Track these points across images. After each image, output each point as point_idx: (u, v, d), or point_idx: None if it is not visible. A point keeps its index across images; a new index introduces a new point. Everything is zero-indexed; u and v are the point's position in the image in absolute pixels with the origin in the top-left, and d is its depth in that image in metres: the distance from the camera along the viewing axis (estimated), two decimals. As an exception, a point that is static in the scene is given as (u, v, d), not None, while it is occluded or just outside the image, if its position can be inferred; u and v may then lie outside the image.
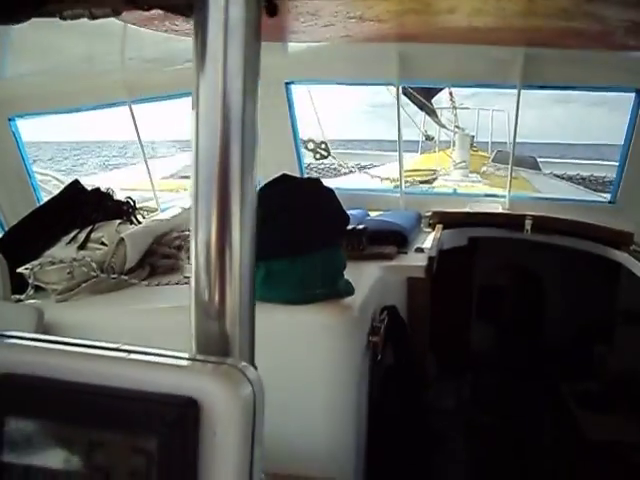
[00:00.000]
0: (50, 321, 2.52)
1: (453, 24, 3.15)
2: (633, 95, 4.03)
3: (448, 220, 4.14)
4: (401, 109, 4.40)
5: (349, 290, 2.60)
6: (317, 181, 2.69)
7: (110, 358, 0.82)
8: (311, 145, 4.80)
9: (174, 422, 0.73)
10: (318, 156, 4.85)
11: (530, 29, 3.08)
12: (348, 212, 3.99)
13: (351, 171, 7.65)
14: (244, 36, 0.83)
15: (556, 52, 3.72)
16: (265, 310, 2.46)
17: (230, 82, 0.84)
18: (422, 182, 6.97)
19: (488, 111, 11.87)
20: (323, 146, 4.85)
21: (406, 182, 6.98)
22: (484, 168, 7.72)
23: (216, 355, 0.90)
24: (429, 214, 4.18)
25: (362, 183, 7.15)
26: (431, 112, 9.50)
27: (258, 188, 2.61)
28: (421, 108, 9.02)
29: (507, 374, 4.69)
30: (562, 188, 8.88)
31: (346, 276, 2.66)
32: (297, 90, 4.53)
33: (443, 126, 10.14)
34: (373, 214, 4.24)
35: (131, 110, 4.44)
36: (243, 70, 0.84)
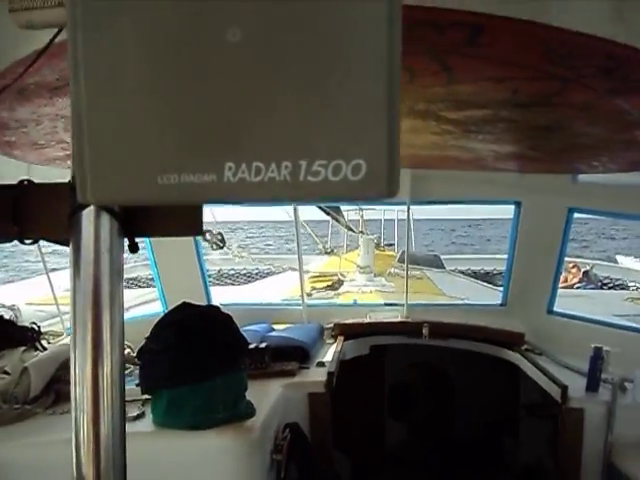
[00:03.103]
0: None
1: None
2: (513, 207, 4.39)
3: (349, 331, 4.32)
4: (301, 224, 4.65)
5: (250, 412, 2.71)
6: (215, 308, 2.84)
7: None
8: (208, 235, 4.95)
9: None
10: (215, 246, 5.02)
11: (413, 155, 3.39)
12: (251, 327, 4.17)
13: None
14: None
15: (439, 171, 4.06)
16: (168, 436, 2.57)
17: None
18: (327, 287, 7.18)
19: (393, 211, 12.29)
20: (219, 237, 5.01)
21: (312, 288, 7.22)
22: (390, 269, 8.00)
23: None
24: (330, 326, 4.36)
25: (268, 293, 7.32)
26: (336, 215, 9.80)
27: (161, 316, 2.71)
28: (327, 213, 9.32)
29: (421, 470, 4.81)
30: (462, 284, 9.24)
31: (249, 395, 2.78)
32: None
33: (350, 228, 10.46)
34: (277, 327, 4.38)
35: None
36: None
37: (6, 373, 3.12)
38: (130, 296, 7.25)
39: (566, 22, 1.35)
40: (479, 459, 4.83)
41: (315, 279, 7.86)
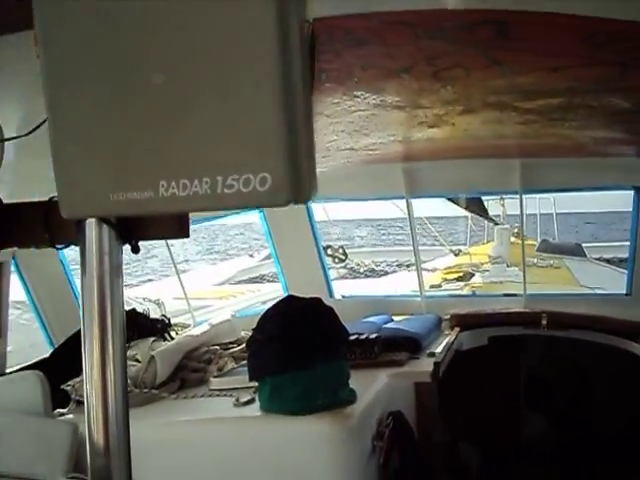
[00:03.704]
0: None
1: (452, 146, 3.49)
2: (632, 193, 4.23)
3: (466, 321, 4.34)
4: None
5: (351, 399, 2.84)
6: (317, 300, 2.97)
7: None
8: (330, 251, 5.13)
9: None
10: (337, 260, 5.17)
11: (523, 145, 3.38)
12: (371, 319, 4.29)
13: (386, 272, 7.95)
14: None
15: (549, 160, 3.99)
16: (271, 421, 2.76)
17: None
18: (458, 279, 7.18)
19: (535, 199, 11.99)
20: (341, 251, 5.18)
21: (443, 280, 7.24)
22: (528, 259, 7.85)
23: (98, 478, 1.19)
24: (448, 317, 4.40)
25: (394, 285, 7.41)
26: (478, 209, 9.69)
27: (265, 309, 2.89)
28: (466, 208, 9.26)
29: (558, 464, 4.69)
30: (603, 273, 8.88)
31: (354, 384, 2.91)
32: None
33: (492, 220, 10.32)
34: (397, 318, 4.48)
35: None
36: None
37: (137, 361, 3.44)
38: (266, 290, 7.60)
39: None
40: (618, 457, 4.65)
41: (447, 271, 7.88)
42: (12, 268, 3.75)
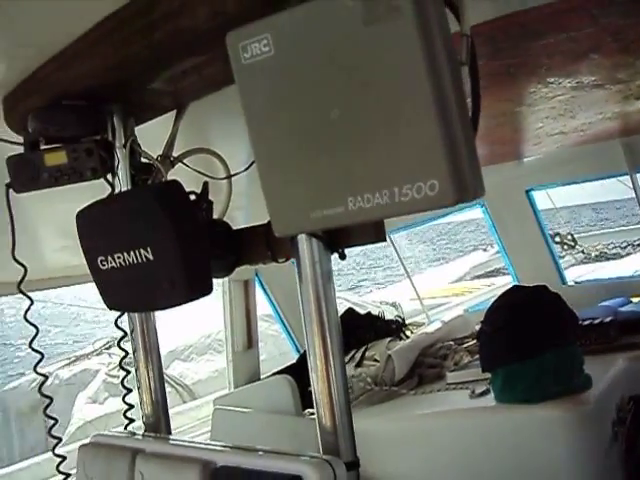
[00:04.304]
0: None
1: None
2: None
3: None
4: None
5: (586, 384, 2.81)
6: (542, 288, 2.98)
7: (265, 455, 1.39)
8: (558, 238, 5.02)
9: None
10: (566, 247, 5.05)
11: None
12: (605, 303, 4.15)
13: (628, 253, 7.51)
14: None
15: None
16: (504, 410, 2.82)
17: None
18: None
19: None
20: (569, 237, 5.05)
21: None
22: None
23: (330, 453, 1.36)
24: None
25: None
26: None
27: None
28: None
29: None
30: None
31: (590, 369, 2.87)
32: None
33: None
34: (635, 300, 4.29)
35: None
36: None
37: (376, 360, 3.66)
38: (499, 283, 7.56)
39: None
40: None
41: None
42: (256, 284, 4.16)
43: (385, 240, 1.36)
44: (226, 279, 3.98)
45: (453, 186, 0.95)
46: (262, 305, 4.36)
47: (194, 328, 7.15)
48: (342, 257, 1.39)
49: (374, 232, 1.33)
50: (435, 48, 0.94)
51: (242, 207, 2.81)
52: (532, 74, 2.10)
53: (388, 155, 0.99)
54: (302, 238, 1.35)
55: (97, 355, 6.76)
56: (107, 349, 7.14)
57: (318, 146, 1.06)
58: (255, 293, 4.12)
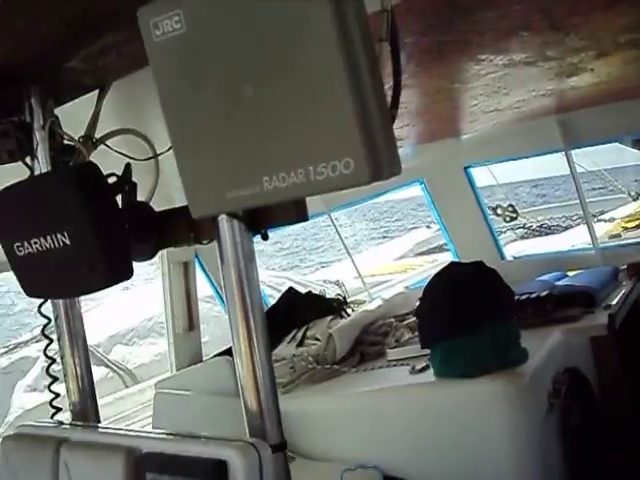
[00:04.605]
0: None
1: (604, 91, 3.37)
2: None
3: None
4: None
5: (522, 358, 2.86)
6: (479, 264, 3.01)
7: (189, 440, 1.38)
8: (499, 210, 5.10)
9: (212, 470, 1.27)
10: (508, 219, 5.13)
11: None
12: (543, 277, 4.23)
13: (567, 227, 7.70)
14: None
15: None
16: (444, 385, 2.85)
17: None
18: (639, 226, 6.82)
19: None
20: (510, 209, 5.12)
21: (623, 229, 6.90)
22: None
23: (256, 436, 1.36)
24: (625, 267, 4.22)
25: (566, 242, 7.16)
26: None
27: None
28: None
29: None
30: None
31: (527, 343, 2.92)
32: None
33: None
34: (571, 274, 4.38)
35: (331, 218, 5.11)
36: None
37: (317, 339, 3.66)
38: (442, 259, 7.64)
39: None
40: None
41: (627, 219, 7.50)
42: (197, 266, 4.11)
43: (307, 219, 1.34)
44: (165, 261, 3.92)
45: (368, 164, 0.94)
46: (204, 286, 4.32)
47: (136, 311, 7.06)
48: (264, 237, 1.36)
49: (295, 212, 1.31)
50: (348, 24, 0.93)
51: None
52: (463, 51, 2.09)
53: (302, 133, 0.98)
54: (223, 219, 1.33)
55: (36, 342, 6.60)
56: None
57: (232, 125, 1.03)
58: (195, 275, 4.07)
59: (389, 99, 1.09)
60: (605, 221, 8.01)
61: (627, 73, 2.87)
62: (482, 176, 5.33)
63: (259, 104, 1.00)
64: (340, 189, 0.97)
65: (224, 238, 1.34)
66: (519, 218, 5.65)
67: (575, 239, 6.78)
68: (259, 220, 1.33)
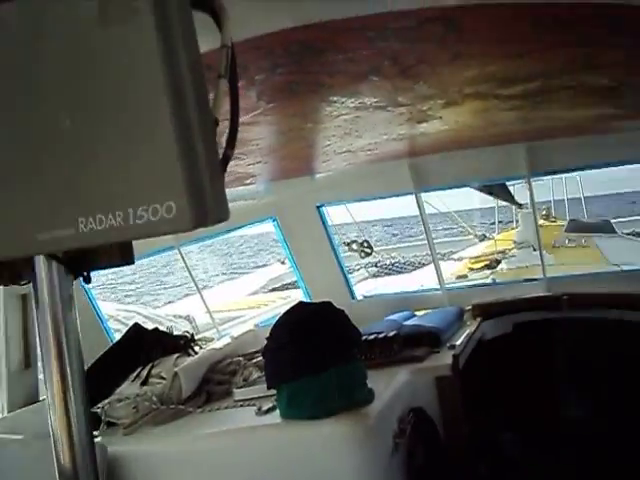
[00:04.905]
0: (117, 454, 2.90)
1: (452, 138, 3.50)
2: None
3: (489, 310, 4.33)
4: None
5: (369, 398, 2.87)
6: (327, 304, 3.00)
7: None
8: (355, 246, 5.20)
9: None
10: (363, 254, 5.22)
11: (522, 130, 3.37)
12: (392, 317, 4.31)
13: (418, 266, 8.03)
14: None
15: (555, 141, 3.98)
16: (291, 427, 2.80)
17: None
18: (485, 267, 7.17)
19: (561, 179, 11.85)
20: (365, 244, 5.23)
21: (470, 269, 7.23)
22: (554, 241, 7.81)
23: None
24: (470, 308, 4.39)
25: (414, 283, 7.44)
26: (503, 196, 9.63)
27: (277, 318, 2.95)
28: (490, 193, 9.21)
29: (602, 448, 4.57)
30: (635, 249, 8.74)
31: (373, 383, 2.94)
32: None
33: (518, 204, 10.25)
34: (419, 313, 4.50)
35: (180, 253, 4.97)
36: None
37: (162, 378, 3.51)
38: (295, 296, 7.65)
39: None
40: None
41: (474, 260, 7.86)
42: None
43: (133, 262, 1.24)
44: (1, 293, 3.65)
45: (192, 209, 0.88)
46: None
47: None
48: (87, 281, 1.25)
49: (120, 254, 1.21)
50: (176, 56, 0.87)
51: None
52: (314, 92, 2.09)
53: (121, 173, 0.90)
54: (40, 259, 1.20)
55: None
56: None
57: (44, 159, 0.94)
58: (34, 308, 3.81)
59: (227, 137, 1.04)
60: (455, 260, 8.39)
61: (474, 122, 3.00)
62: (338, 213, 5.41)
63: (75, 138, 0.92)
64: (162, 234, 0.89)
65: (40, 281, 1.21)
66: (374, 254, 5.77)
67: (425, 279, 7.02)
68: (81, 262, 1.21)
